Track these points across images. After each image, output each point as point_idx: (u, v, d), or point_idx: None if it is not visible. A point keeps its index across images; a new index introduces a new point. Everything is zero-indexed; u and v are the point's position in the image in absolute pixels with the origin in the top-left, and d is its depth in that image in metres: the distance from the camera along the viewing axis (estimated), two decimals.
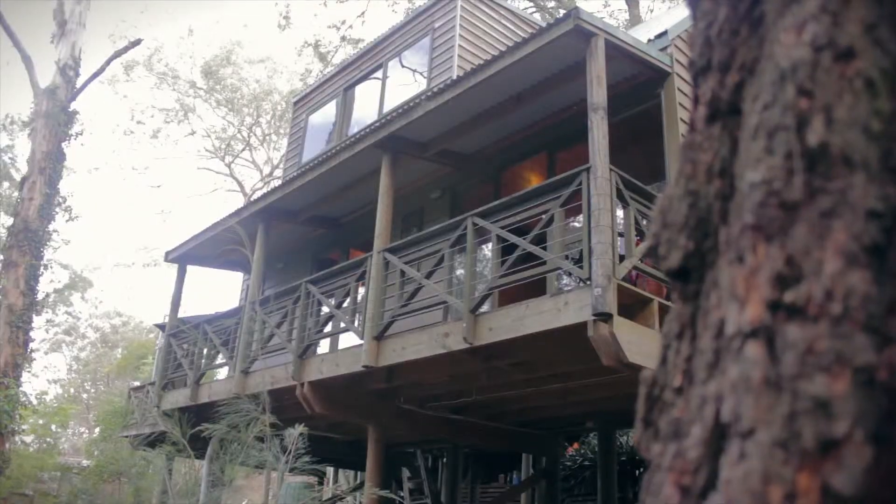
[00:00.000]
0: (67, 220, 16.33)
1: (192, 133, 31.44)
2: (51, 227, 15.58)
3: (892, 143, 0.69)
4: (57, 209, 15.79)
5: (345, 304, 8.44)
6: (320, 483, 14.29)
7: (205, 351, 10.74)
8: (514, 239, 6.51)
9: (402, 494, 11.84)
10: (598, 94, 6.34)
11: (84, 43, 16.88)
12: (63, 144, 15.82)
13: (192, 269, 12.62)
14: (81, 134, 16.32)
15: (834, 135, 0.68)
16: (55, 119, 15.76)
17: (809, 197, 0.68)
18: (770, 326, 0.65)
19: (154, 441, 10.22)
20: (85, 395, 33.82)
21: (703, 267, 0.81)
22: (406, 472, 12.46)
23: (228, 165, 31.22)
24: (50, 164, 15.54)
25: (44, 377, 40.59)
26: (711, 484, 0.66)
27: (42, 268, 15.54)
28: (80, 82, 16.57)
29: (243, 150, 30.90)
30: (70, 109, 15.98)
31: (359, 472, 13.33)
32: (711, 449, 0.66)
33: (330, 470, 15.24)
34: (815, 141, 0.69)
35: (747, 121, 0.77)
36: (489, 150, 9.61)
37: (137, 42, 17.65)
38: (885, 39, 0.73)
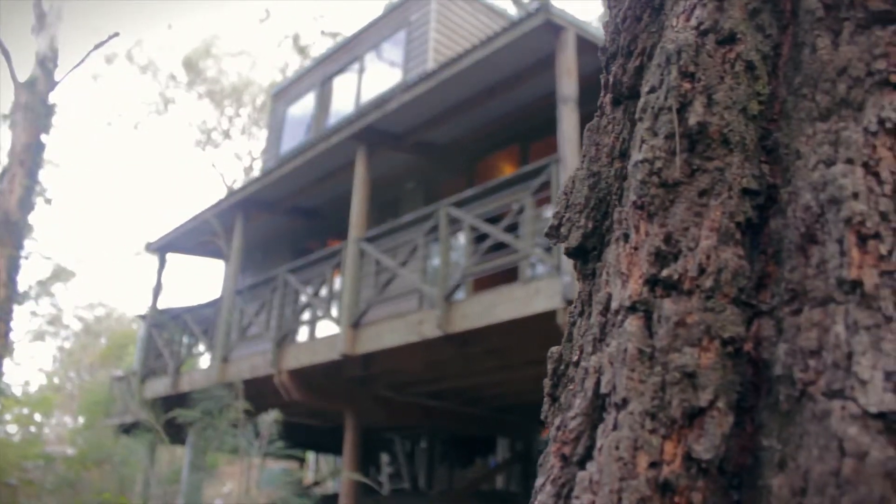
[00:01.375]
0: (44, 200, 16.08)
1: (174, 125, 31.14)
2: (31, 219, 15.38)
3: (769, 125, 0.70)
4: (37, 200, 15.58)
5: (322, 293, 8.43)
6: (301, 469, 14.29)
7: (185, 341, 10.68)
8: (485, 228, 6.52)
9: (381, 480, 11.87)
10: (567, 86, 6.36)
11: (65, 36, 16.63)
12: (42, 136, 15.60)
13: (178, 260, 12.57)
14: (61, 126, 16.11)
15: (713, 116, 0.69)
16: (34, 111, 15.52)
17: (689, 176, 0.69)
18: (648, 301, 0.66)
19: (135, 429, 10.17)
20: (69, 385, 33.51)
21: (601, 246, 0.82)
22: (385, 458, 12.49)
23: (210, 156, 30.96)
24: (30, 156, 15.31)
25: (28, 367, 40.15)
26: (590, 454, 0.67)
27: (23, 259, 15.35)
28: (60, 75, 16.32)
29: (224, 140, 30.64)
30: (49, 102, 15.75)
31: (339, 458, 13.35)
32: (592, 419, 0.67)
33: (311, 456, 15.25)
34: (695, 122, 0.70)
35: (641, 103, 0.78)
36: (463, 142, 9.61)
37: (115, 35, 17.42)
38: (767, 25, 0.73)
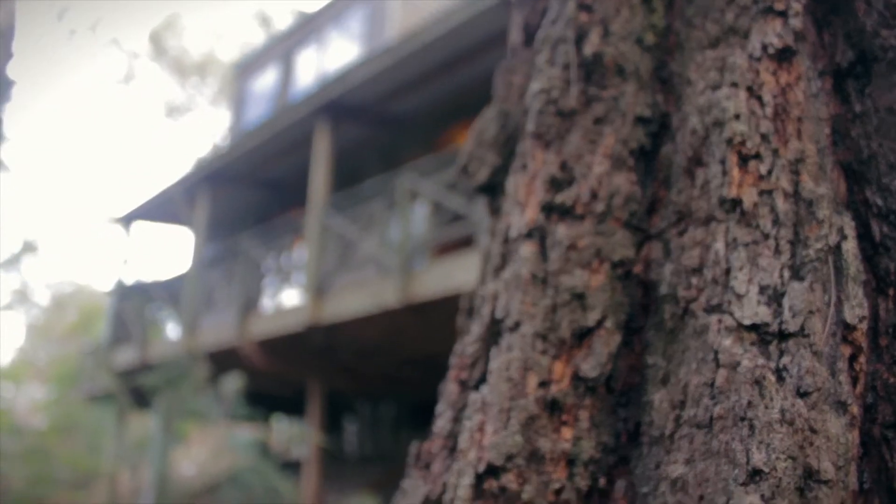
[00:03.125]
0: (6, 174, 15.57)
1: (139, 99, 30.33)
2: None
3: (665, 56, 0.69)
4: None
5: (286, 264, 8.35)
6: (269, 435, 14.26)
7: (153, 313, 10.53)
8: (443, 198, 6.50)
9: (346, 446, 11.91)
10: None
11: (23, 8, 15.98)
12: (1, 110, 15.07)
13: (149, 233, 12.38)
14: (22, 100, 15.58)
15: (609, 46, 0.68)
16: None
17: (585, 105, 0.67)
18: (543, 227, 0.65)
19: (104, 399, 10.05)
20: (39, 359, 32.84)
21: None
22: (350, 423, 12.52)
23: (175, 130, 30.27)
24: None
25: None
26: (486, 378, 0.66)
27: None
28: (17, 47, 15.74)
29: (188, 113, 29.95)
30: (7, 74, 15.21)
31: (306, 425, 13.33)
32: (487, 344, 0.67)
33: (280, 423, 15.21)
34: (591, 52, 0.68)
35: None
36: (425, 114, 9.52)
37: (67, 9, 16.80)
38: None
